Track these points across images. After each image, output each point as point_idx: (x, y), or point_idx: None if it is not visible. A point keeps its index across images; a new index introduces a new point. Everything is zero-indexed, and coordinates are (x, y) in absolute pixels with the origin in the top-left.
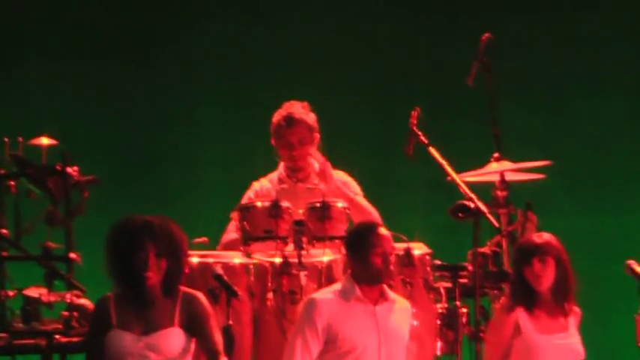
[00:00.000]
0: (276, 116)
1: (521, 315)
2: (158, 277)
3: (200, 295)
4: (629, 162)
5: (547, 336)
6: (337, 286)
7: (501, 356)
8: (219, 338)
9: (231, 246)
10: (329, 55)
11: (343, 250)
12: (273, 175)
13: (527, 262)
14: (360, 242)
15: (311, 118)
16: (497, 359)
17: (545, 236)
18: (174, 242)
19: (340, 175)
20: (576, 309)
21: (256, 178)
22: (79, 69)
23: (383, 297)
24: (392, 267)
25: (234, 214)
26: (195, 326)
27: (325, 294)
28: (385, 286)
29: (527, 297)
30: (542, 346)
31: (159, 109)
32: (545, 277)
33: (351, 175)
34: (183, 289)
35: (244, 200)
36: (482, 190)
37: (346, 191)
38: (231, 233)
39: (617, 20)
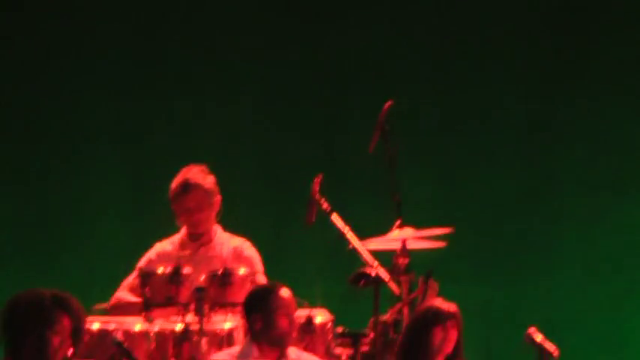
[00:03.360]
0: (174, 183)
1: None
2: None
3: None
4: (524, 230)
5: None
6: (236, 348)
7: None
8: None
9: (122, 308)
10: (230, 120)
11: (243, 314)
12: (175, 239)
13: (441, 325)
14: (265, 302)
15: (209, 181)
16: None
17: (450, 303)
18: (83, 321)
19: (243, 247)
20: None
21: (157, 234)
22: None
23: (284, 357)
24: (292, 328)
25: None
26: None
27: (223, 355)
28: (288, 348)
29: None
30: None
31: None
32: (453, 341)
33: (251, 238)
34: None
35: (144, 261)
36: (384, 257)
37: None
38: (124, 292)
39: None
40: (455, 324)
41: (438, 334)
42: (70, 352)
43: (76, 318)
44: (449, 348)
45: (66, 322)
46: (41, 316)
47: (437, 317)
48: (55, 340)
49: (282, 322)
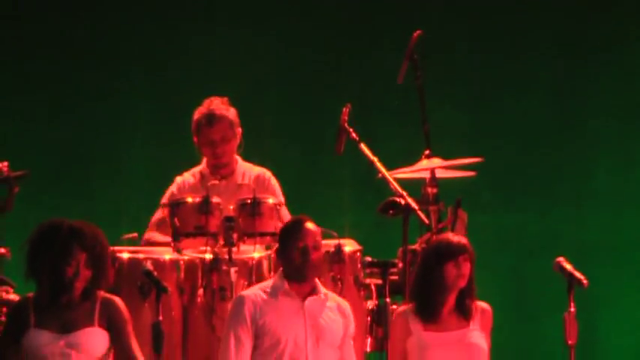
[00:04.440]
0: (197, 114)
1: (419, 314)
2: (83, 284)
3: (119, 301)
4: (556, 160)
5: (443, 334)
6: (268, 282)
7: (401, 356)
8: (137, 346)
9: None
10: (256, 49)
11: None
12: (196, 170)
13: (453, 260)
14: (283, 238)
15: (232, 113)
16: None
17: (459, 236)
18: (101, 251)
19: (265, 176)
20: (486, 306)
21: (181, 166)
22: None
23: (314, 293)
24: (315, 262)
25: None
26: (113, 330)
27: (254, 290)
28: (319, 284)
29: (433, 297)
30: (436, 344)
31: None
32: (466, 276)
33: (279, 171)
34: (102, 293)
35: (167, 195)
36: (412, 187)
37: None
38: (153, 233)
39: (543, 19)
40: (467, 258)
41: (450, 270)
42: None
43: (91, 248)
44: (462, 282)
45: (80, 254)
46: (55, 248)
47: (449, 252)
48: (69, 271)
49: (295, 256)
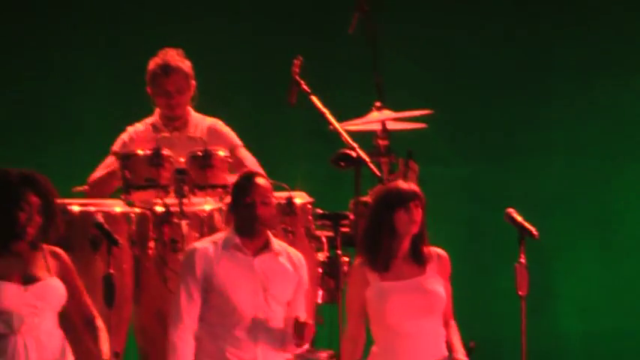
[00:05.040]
0: (152, 64)
1: (372, 264)
2: (34, 232)
3: (64, 252)
4: (509, 111)
5: (400, 282)
6: (220, 235)
7: (359, 307)
8: (89, 299)
9: (98, 184)
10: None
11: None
12: (148, 121)
13: (403, 207)
14: (233, 193)
15: (187, 65)
16: (356, 311)
17: (409, 183)
18: (52, 199)
19: (218, 126)
20: (442, 252)
21: (133, 124)
22: None
23: (266, 248)
24: (262, 217)
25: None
26: (66, 282)
27: (206, 243)
28: (272, 239)
29: (386, 244)
30: (394, 292)
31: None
32: (418, 221)
33: (230, 122)
34: (46, 245)
35: (118, 144)
36: (363, 139)
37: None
38: (99, 171)
39: None
40: (418, 204)
41: (402, 216)
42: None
43: (43, 195)
44: (415, 229)
45: (33, 199)
46: (7, 193)
47: (399, 199)
48: (22, 216)
49: (242, 211)
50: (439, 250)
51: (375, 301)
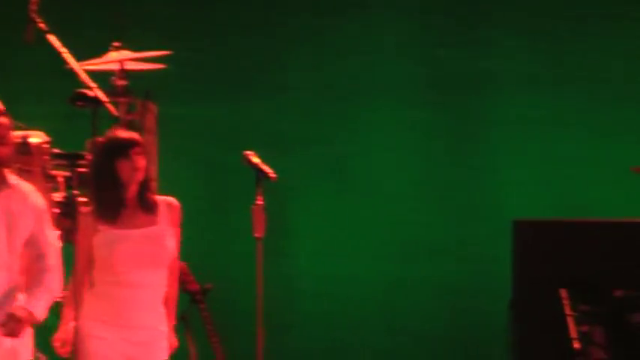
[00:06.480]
0: None
1: (100, 213)
2: None
3: None
4: (249, 52)
5: (129, 231)
6: None
7: (87, 253)
8: None
9: None
10: None
11: None
12: None
13: (124, 156)
14: None
15: None
16: (84, 256)
17: (129, 132)
18: None
19: None
20: (172, 201)
21: None
22: None
23: (4, 184)
24: (4, 156)
25: None
26: None
27: None
28: (8, 176)
29: (111, 194)
30: (122, 241)
31: None
32: (141, 168)
33: None
34: None
35: None
36: (101, 79)
37: None
38: None
39: None
40: (139, 151)
41: (124, 165)
42: None
43: None
44: (139, 176)
45: None
46: None
47: (119, 148)
48: None
49: None
50: (170, 199)
51: (102, 249)
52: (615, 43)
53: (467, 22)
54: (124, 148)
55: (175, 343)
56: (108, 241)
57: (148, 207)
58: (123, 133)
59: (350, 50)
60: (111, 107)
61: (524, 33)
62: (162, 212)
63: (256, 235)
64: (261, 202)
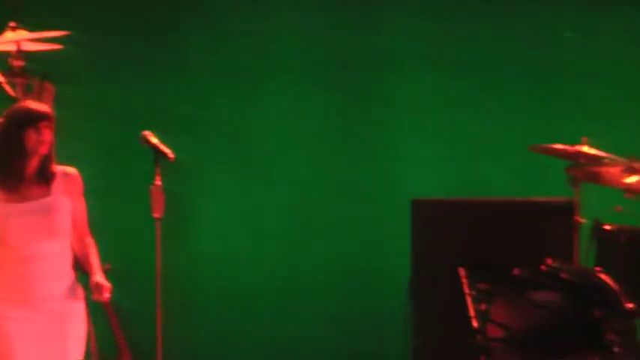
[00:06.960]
0: None
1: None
2: None
3: None
4: (151, 30)
5: (24, 204)
6: None
7: None
8: None
9: None
10: None
11: None
12: None
13: (32, 126)
14: None
15: None
16: None
17: (40, 104)
18: None
19: None
20: (70, 170)
21: None
22: None
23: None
24: None
25: None
26: None
27: None
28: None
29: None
30: (17, 214)
31: None
32: (47, 141)
33: None
34: None
35: None
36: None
37: None
38: None
39: None
40: (48, 125)
41: (31, 136)
42: None
43: None
44: (44, 149)
45: None
46: None
47: (29, 118)
48: None
49: None
50: (67, 169)
51: None
52: (514, 26)
53: (366, 2)
54: (33, 118)
55: (109, 285)
56: (3, 215)
57: (44, 178)
58: (33, 104)
59: (244, 30)
60: (8, 88)
61: (424, 14)
62: (58, 182)
63: (155, 215)
64: (160, 183)
